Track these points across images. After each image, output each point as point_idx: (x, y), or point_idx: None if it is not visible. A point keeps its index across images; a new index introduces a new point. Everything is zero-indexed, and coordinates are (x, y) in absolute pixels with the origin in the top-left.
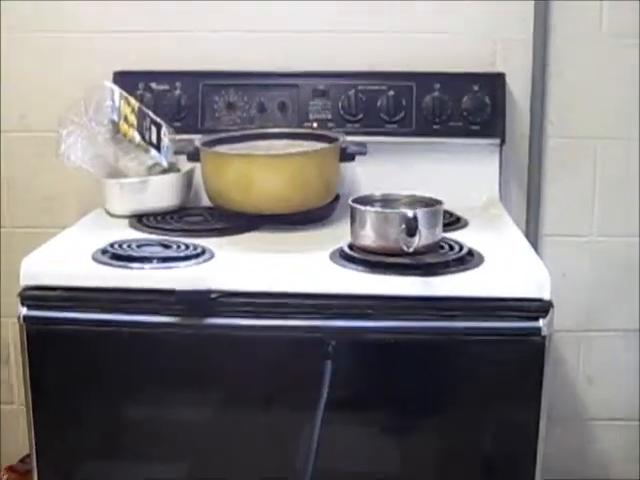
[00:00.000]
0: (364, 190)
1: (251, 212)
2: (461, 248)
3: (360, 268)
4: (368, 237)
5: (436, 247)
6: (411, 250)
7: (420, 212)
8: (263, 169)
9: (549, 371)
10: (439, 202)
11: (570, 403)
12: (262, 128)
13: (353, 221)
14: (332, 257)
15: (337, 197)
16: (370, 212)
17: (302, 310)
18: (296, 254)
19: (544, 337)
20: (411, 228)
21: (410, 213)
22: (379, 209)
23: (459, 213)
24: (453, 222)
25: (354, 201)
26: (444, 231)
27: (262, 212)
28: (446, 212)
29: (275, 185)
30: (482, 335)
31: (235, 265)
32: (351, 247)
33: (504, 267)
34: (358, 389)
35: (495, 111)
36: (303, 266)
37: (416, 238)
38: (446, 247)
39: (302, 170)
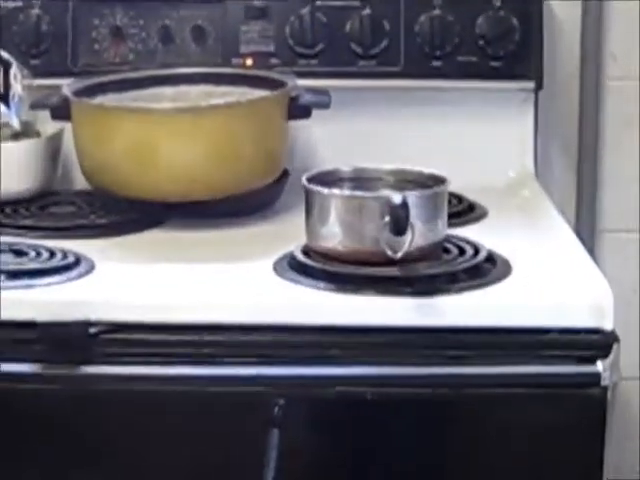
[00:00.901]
0: (326, 163)
1: (152, 199)
2: (476, 252)
3: (321, 285)
4: (333, 236)
5: (438, 251)
6: (399, 256)
7: (412, 196)
8: (170, 131)
9: (612, 437)
10: (441, 181)
11: None
12: (168, 67)
13: (310, 212)
14: (277, 268)
15: (285, 174)
16: (336, 197)
17: (232, 352)
18: (222, 264)
19: (605, 388)
20: (399, 221)
21: (397, 198)
22: (349, 192)
23: (473, 197)
24: (464, 211)
25: (311, 180)
26: (450, 225)
27: (169, 199)
28: (453, 196)
29: (188, 156)
30: (510, 387)
31: (127, 283)
32: (307, 252)
33: (542, 281)
34: (319, 470)
35: (527, 39)
36: (232, 283)
37: (407, 237)
38: (453, 250)
39: (230, 132)
